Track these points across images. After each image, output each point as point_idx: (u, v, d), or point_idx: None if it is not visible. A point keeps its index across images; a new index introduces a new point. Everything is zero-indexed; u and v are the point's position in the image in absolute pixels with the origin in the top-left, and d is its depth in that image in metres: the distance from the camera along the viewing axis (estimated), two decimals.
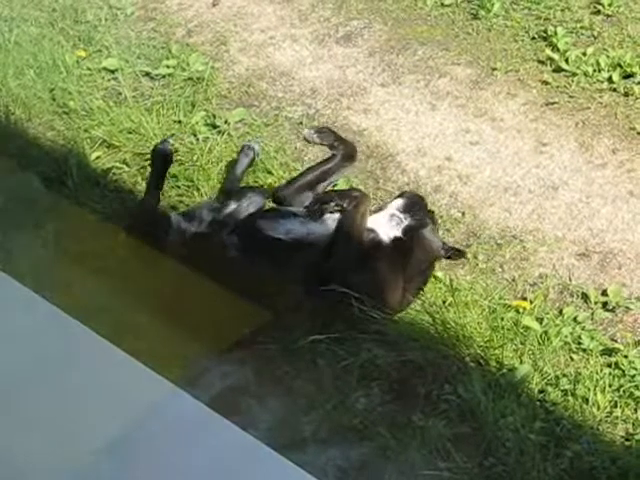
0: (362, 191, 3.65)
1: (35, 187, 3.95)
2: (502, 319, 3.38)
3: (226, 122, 4.20)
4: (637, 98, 4.16)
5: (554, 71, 4.31)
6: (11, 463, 1.61)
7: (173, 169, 3.98)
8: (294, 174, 3.85)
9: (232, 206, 3.63)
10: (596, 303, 3.46)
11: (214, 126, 4.20)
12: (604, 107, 4.15)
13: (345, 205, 3.47)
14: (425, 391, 3.23)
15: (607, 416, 3.14)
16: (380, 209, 3.64)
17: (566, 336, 3.34)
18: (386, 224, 3.55)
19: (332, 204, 3.49)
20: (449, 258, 3.58)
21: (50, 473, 1.57)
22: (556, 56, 4.34)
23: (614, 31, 4.48)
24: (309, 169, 3.79)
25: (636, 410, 3.14)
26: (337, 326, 3.37)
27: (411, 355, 3.30)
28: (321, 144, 3.84)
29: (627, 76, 4.24)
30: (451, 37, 4.57)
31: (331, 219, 3.49)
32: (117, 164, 4.07)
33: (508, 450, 3.05)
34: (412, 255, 3.50)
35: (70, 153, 4.10)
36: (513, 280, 3.56)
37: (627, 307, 3.45)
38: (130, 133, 4.18)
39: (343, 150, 3.79)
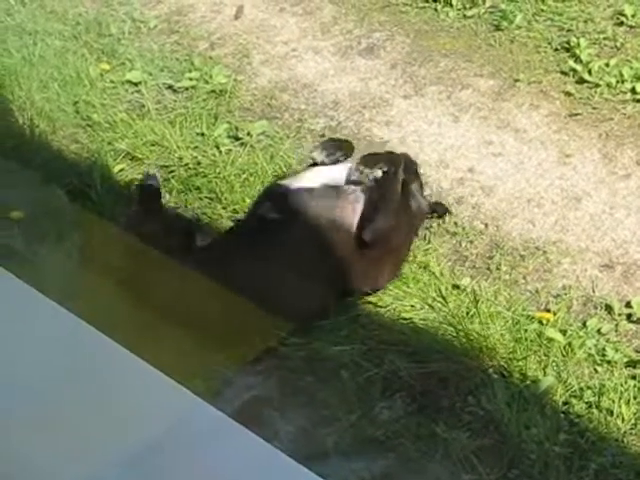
0: (407, 155, 3.78)
1: (59, 199, 3.97)
2: (525, 331, 3.37)
3: (249, 134, 4.21)
4: None
5: (577, 82, 4.30)
6: (34, 476, 1.61)
7: (197, 181, 4.00)
8: None
9: None
10: (620, 315, 3.44)
11: (237, 138, 4.21)
12: (627, 118, 4.13)
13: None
14: (448, 403, 3.23)
15: (632, 428, 3.12)
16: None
17: (590, 348, 3.33)
18: None
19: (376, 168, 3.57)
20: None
21: None
22: (579, 67, 4.33)
23: (637, 42, 4.46)
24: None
25: None
26: (360, 337, 3.37)
27: (434, 366, 3.30)
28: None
29: None
30: (473, 49, 4.56)
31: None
32: (141, 176, 4.09)
33: (532, 462, 3.03)
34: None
35: (94, 165, 4.11)
36: (536, 291, 3.55)
37: None
38: (153, 145, 4.19)
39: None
